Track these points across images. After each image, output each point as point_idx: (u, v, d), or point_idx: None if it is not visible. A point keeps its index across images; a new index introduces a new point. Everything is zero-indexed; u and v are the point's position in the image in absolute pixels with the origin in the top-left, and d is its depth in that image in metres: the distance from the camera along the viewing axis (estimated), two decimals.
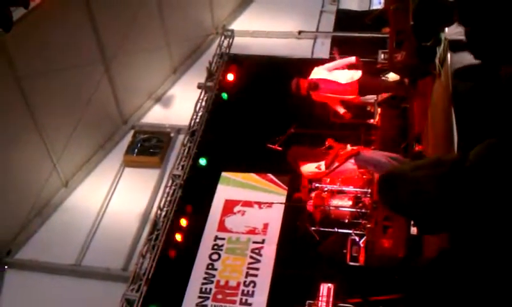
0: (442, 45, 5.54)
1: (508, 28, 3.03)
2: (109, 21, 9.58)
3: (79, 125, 9.53)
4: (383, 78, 8.48)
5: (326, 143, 7.99)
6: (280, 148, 8.57)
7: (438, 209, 2.44)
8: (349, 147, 7.82)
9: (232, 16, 12.64)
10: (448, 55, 5.38)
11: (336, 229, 8.00)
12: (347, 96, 8.13)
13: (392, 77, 8.25)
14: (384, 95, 8.50)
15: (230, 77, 10.89)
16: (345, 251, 7.85)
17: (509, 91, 3.85)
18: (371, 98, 8.68)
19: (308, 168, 7.94)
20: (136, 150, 10.67)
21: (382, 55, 10.04)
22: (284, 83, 8.91)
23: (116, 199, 9.99)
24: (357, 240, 7.78)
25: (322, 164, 7.93)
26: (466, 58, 4.70)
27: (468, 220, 2.43)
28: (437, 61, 5.69)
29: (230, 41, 11.71)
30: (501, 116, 3.81)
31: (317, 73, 8.26)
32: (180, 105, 11.34)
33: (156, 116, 11.31)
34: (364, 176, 8.01)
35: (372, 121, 8.61)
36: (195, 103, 10.34)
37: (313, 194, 8.13)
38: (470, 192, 2.38)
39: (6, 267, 9.02)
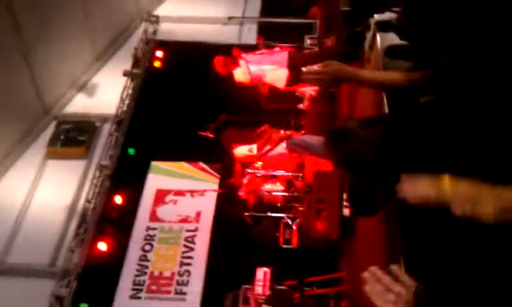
0: (372, 30, 5.66)
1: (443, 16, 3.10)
2: (27, 5, 9.07)
3: None
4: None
5: (261, 128, 8.03)
6: (211, 135, 8.51)
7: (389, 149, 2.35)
8: (282, 132, 7.89)
9: (156, 2, 12.34)
10: (378, 36, 5.49)
11: (269, 214, 8.08)
12: (273, 67, 8.01)
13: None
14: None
15: (157, 63, 10.66)
16: (278, 234, 7.96)
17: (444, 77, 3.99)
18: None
19: (241, 150, 7.98)
20: (60, 141, 10.23)
21: (308, 41, 10.20)
22: (211, 68, 8.84)
23: (40, 193, 9.54)
24: (290, 223, 7.91)
25: (254, 147, 7.98)
26: (396, 39, 4.84)
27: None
28: (367, 45, 5.81)
29: (156, 27, 11.45)
30: (432, 98, 3.94)
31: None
32: (105, 93, 10.96)
33: (80, 105, 10.86)
34: (295, 161, 8.10)
35: (301, 106, 8.72)
36: (121, 91, 10.04)
37: (245, 180, 8.15)
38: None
39: None
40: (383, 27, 5.35)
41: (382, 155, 2.36)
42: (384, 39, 5.41)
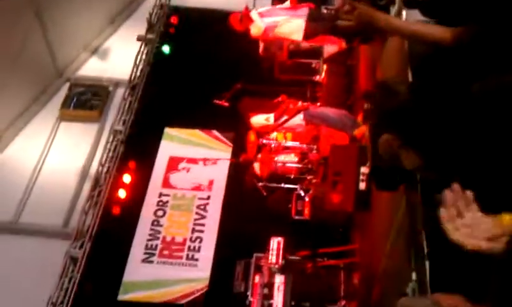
0: (397, 5, 5.63)
1: None
2: None
3: (10, 77, 9.00)
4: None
5: (280, 98, 8.01)
6: (226, 104, 8.49)
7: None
8: (300, 103, 7.88)
9: None
10: (403, 12, 5.45)
11: (282, 185, 8.14)
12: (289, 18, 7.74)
13: None
14: (331, 52, 8.57)
15: (171, 29, 10.57)
16: (290, 205, 8.03)
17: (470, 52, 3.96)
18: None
19: (258, 119, 7.97)
20: (73, 104, 10.25)
21: (325, 11, 10.07)
22: (227, 36, 8.76)
23: (52, 155, 9.60)
24: (302, 194, 7.97)
25: (271, 116, 7.98)
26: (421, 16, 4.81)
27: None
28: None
29: None
30: (460, 78, 3.93)
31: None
32: (118, 57, 10.92)
33: (93, 68, 10.83)
34: (311, 133, 8.12)
35: (317, 78, 8.69)
36: (135, 56, 9.99)
37: (260, 150, 8.19)
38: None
39: None
40: (409, 3, 5.30)
41: (425, 132, 2.31)
42: (409, 16, 5.39)
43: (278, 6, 7.47)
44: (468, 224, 1.71)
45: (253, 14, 7.25)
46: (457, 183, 1.73)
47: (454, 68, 4.07)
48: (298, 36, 7.07)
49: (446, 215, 1.72)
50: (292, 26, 6.93)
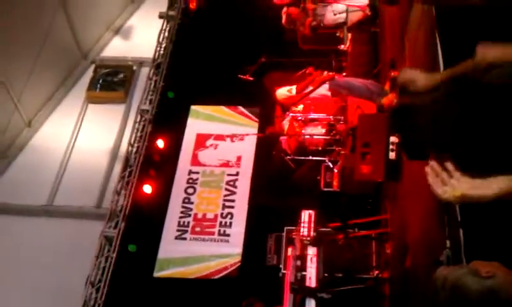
0: None
1: None
2: None
3: (37, 62, 9.14)
4: None
5: (307, 70, 7.94)
6: (251, 78, 8.45)
7: (459, 128, 2.43)
8: (325, 74, 7.80)
9: None
10: None
11: (310, 157, 8.11)
12: None
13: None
14: (354, 20, 8.43)
15: (193, 4, 10.51)
16: (319, 177, 8.01)
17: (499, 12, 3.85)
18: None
19: (281, 92, 7.95)
20: (98, 85, 10.37)
21: None
22: (249, 10, 8.69)
23: (82, 137, 9.77)
24: (331, 166, 7.93)
25: (294, 87, 7.93)
26: None
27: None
28: None
29: None
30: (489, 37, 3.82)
31: None
32: (141, 36, 10.98)
33: (116, 49, 10.92)
34: (337, 103, 8.04)
35: (342, 47, 8.56)
36: (158, 34, 9.99)
37: (286, 124, 8.15)
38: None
39: None
40: None
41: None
42: None
43: None
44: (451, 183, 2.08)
45: None
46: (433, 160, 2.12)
47: (483, 31, 3.98)
48: None
49: (433, 184, 2.08)
50: None
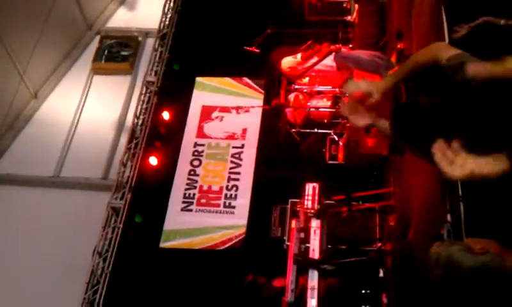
0: None
1: None
2: None
3: (42, 33, 9.11)
4: None
5: (307, 43, 7.89)
6: (257, 50, 8.41)
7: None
8: (330, 46, 7.75)
9: None
10: None
11: (315, 130, 8.10)
12: None
13: None
14: None
15: None
16: (324, 150, 8.02)
17: None
18: None
19: (286, 60, 7.92)
20: (104, 57, 10.33)
21: None
22: None
23: (88, 108, 9.78)
24: (336, 139, 7.93)
25: (299, 55, 7.90)
26: None
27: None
28: None
29: None
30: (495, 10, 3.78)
31: None
32: (146, 7, 10.88)
33: (122, 19, 10.85)
34: (343, 76, 7.99)
35: (349, 18, 8.48)
36: (163, 4, 9.90)
37: (292, 96, 8.13)
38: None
39: None
40: None
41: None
42: None
43: None
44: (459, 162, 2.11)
45: None
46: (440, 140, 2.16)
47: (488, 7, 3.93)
48: None
49: (441, 162, 2.12)
50: None
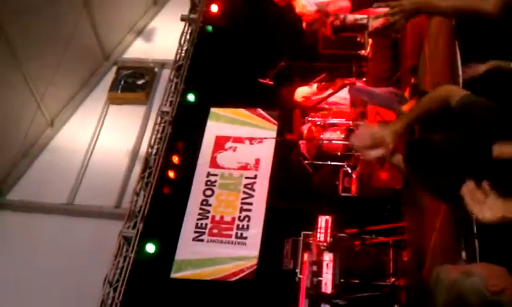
0: None
1: None
2: None
3: (60, 62, 9.30)
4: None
5: (321, 76, 7.98)
6: (271, 82, 8.49)
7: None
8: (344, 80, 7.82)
9: None
10: None
11: (328, 162, 8.11)
12: None
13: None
14: (375, 26, 8.38)
15: (214, 8, 10.57)
16: (337, 182, 8.01)
17: None
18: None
19: (301, 90, 7.97)
20: (120, 87, 10.51)
21: None
22: (270, 13, 8.70)
23: (103, 137, 9.91)
24: (349, 171, 7.92)
25: (314, 85, 7.97)
26: None
27: None
28: None
29: None
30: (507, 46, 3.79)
31: None
32: (163, 38, 11.08)
33: (138, 50, 11.05)
34: (357, 109, 8.03)
35: (363, 52, 8.54)
36: (179, 36, 10.07)
37: (305, 128, 8.17)
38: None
39: None
40: None
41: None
42: None
43: None
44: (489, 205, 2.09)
45: None
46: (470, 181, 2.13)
47: (502, 41, 3.95)
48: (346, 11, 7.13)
49: (471, 205, 2.10)
50: (337, 5, 6.97)
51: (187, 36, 10.15)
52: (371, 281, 6.72)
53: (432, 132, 2.56)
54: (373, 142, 2.62)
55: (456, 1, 2.91)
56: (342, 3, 7.09)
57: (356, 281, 6.79)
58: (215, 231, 8.19)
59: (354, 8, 7.75)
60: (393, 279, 6.76)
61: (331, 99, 8.13)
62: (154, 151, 8.81)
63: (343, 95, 7.86)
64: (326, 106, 8.41)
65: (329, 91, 8.00)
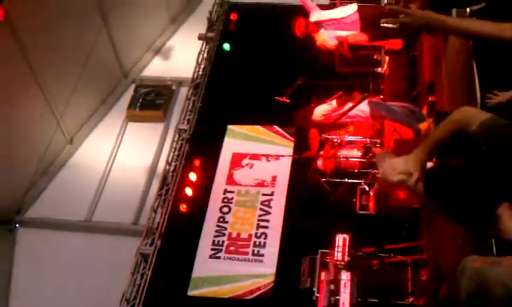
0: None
1: None
2: None
3: (80, 80, 9.45)
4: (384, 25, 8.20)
5: (338, 94, 7.98)
6: (287, 100, 8.50)
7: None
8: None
9: None
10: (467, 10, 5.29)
11: (346, 180, 8.07)
12: (350, 32, 7.77)
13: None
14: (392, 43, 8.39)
15: (231, 26, 10.68)
16: (354, 200, 7.96)
17: None
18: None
19: (319, 109, 7.97)
20: (139, 104, 10.63)
21: (386, 0, 9.83)
22: (286, 31, 8.72)
23: (121, 154, 10.00)
24: (367, 189, 7.88)
25: (333, 101, 7.95)
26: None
27: None
28: (454, 11, 5.60)
29: None
30: None
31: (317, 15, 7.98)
32: (180, 56, 11.20)
33: (156, 68, 11.19)
34: (374, 127, 8.01)
35: (380, 69, 8.53)
36: (197, 55, 10.18)
37: (322, 146, 8.16)
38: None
39: (17, 225, 9.08)
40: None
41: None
42: (475, 8, 5.20)
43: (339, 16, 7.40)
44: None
45: (316, 19, 7.30)
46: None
47: None
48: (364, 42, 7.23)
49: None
50: (356, 38, 7.07)
51: (205, 55, 10.28)
52: (389, 300, 6.65)
53: (446, 155, 2.54)
54: (398, 179, 2.57)
55: (472, 24, 2.91)
56: (359, 37, 7.15)
57: (374, 301, 6.72)
58: (232, 248, 8.19)
59: (371, 40, 7.77)
60: (411, 299, 6.68)
61: (351, 112, 8.08)
62: (172, 168, 8.89)
63: (363, 108, 7.80)
64: (348, 120, 8.36)
65: (350, 105, 7.95)
